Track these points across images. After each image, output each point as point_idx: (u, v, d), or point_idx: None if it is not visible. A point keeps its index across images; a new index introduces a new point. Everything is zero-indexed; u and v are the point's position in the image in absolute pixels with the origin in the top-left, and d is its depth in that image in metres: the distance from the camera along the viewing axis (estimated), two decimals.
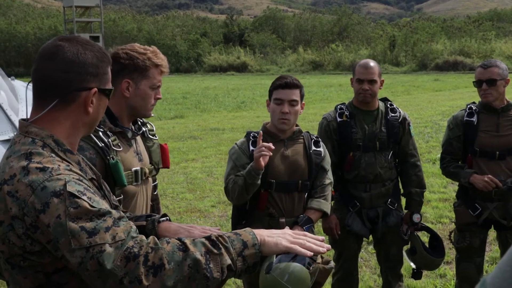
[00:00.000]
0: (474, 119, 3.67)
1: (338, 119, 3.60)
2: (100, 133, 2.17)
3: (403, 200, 3.80)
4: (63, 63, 1.55)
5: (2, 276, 1.61)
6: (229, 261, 1.47)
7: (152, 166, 2.48)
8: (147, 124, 2.56)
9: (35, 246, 1.45)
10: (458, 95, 19.16)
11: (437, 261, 3.69)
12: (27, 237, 1.44)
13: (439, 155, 4.07)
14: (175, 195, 7.41)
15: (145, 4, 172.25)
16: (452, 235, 3.91)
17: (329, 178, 3.18)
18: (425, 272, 4.22)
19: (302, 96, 3.08)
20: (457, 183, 3.91)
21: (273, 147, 2.84)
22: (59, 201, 1.41)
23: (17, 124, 3.38)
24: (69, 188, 1.43)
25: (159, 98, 2.37)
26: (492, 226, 3.79)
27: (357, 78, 3.55)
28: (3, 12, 50.56)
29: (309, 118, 13.21)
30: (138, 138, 2.44)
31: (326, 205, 3.12)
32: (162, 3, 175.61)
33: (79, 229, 1.40)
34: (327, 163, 3.20)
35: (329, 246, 1.66)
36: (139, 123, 2.48)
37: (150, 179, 2.49)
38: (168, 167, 2.65)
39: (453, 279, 4.35)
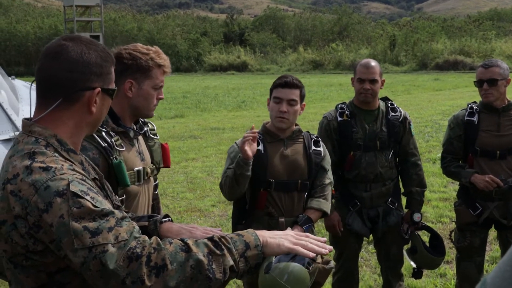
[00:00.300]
0: (475, 118, 3.67)
1: (339, 119, 3.60)
2: (103, 133, 2.17)
3: (404, 200, 3.81)
4: (67, 63, 1.55)
5: (4, 276, 1.61)
6: (231, 262, 1.48)
7: (154, 166, 2.48)
8: (148, 124, 2.56)
9: (38, 245, 1.45)
10: (458, 94, 19.16)
11: (437, 260, 3.69)
12: (30, 237, 1.44)
13: (439, 155, 4.08)
14: (175, 194, 7.41)
15: (145, 3, 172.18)
16: (453, 234, 3.91)
17: (329, 177, 3.18)
18: (425, 272, 4.23)
19: (302, 97, 3.07)
20: (458, 183, 3.92)
21: (257, 134, 2.83)
22: (62, 201, 1.41)
23: (17, 123, 3.39)
24: (72, 188, 1.43)
25: (161, 98, 2.38)
26: (493, 225, 3.79)
27: (358, 78, 3.55)
28: (3, 11, 50.59)
29: (309, 118, 13.21)
30: (140, 137, 2.45)
31: (326, 205, 3.12)
32: (163, 2, 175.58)
33: (82, 229, 1.40)
34: (327, 162, 3.20)
35: (331, 247, 1.67)
36: (141, 122, 2.48)
37: (152, 179, 2.49)
38: (168, 167, 2.65)
39: (454, 279, 4.35)
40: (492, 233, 4.56)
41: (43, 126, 1.56)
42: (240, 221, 3.15)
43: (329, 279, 3.58)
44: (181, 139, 11.72)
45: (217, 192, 7.35)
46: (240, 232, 1.57)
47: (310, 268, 1.95)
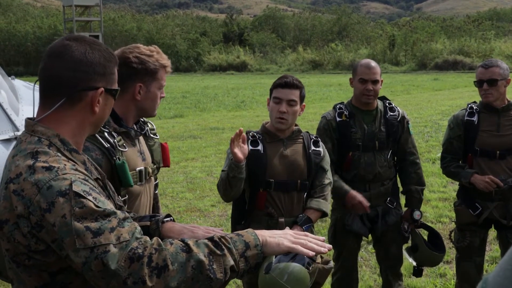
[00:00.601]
0: (475, 118, 3.68)
1: (338, 119, 3.60)
2: (106, 134, 2.18)
3: (402, 198, 3.81)
4: (71, 62, 1.55)
5: (4, 276, 1.61)
6: (232, 262, 1.48)
7: (155, 165, 2.49)
8: (148, 123, 2.57)
9: (40, 245, 1.45)
10: (458, 94, 19.17)
11: (439, 256, 3.69)
12: (32, 236, 1.44)
13: (438, 155, 4.09)
14: (175, 194, 7.41)
15: (144, 3, 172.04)
16: (452, 234, 3.91)
17: (329, 178, 3.19)
18: (425, 272, 4.23)
19: (302, 98, 3.07)
20: (457, 183, 3.92)
21: (244, 135, 2.80)
22: (64, 201, 1.41)
23: (17, 123, 3.39)
24: (75, 187, 1.43)
25: (162, 97, 2.40)
26: (493, 225, 3.80)
27: (360, 78, 3.54)
28: (2, 11, 50.46)
29: (308, 118, 13.20)
30: (141, 137, 2.45)
31: (326, 205, 3.12)
32: (162, 2, 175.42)
33: (84, 229, 1.40)
34: (327, 163, 3.20)
35: (330, 246, 1.67)
36: (141, 122, 2.49)
37: (153, 178, 2.50)
38: (168, 166, 2.66)
39: (453, 279, 4.35)
40: (492, 233, 4.56)
41: (46, 125, 1.56)
42: (239, 221, 3.16)
43: (329, 279, 3.58)
44: (180, 139, 11.72)
45: (216, 192, 7.30)
46: (239, 232, 1.57)
47: (310, 268, 1.96)
